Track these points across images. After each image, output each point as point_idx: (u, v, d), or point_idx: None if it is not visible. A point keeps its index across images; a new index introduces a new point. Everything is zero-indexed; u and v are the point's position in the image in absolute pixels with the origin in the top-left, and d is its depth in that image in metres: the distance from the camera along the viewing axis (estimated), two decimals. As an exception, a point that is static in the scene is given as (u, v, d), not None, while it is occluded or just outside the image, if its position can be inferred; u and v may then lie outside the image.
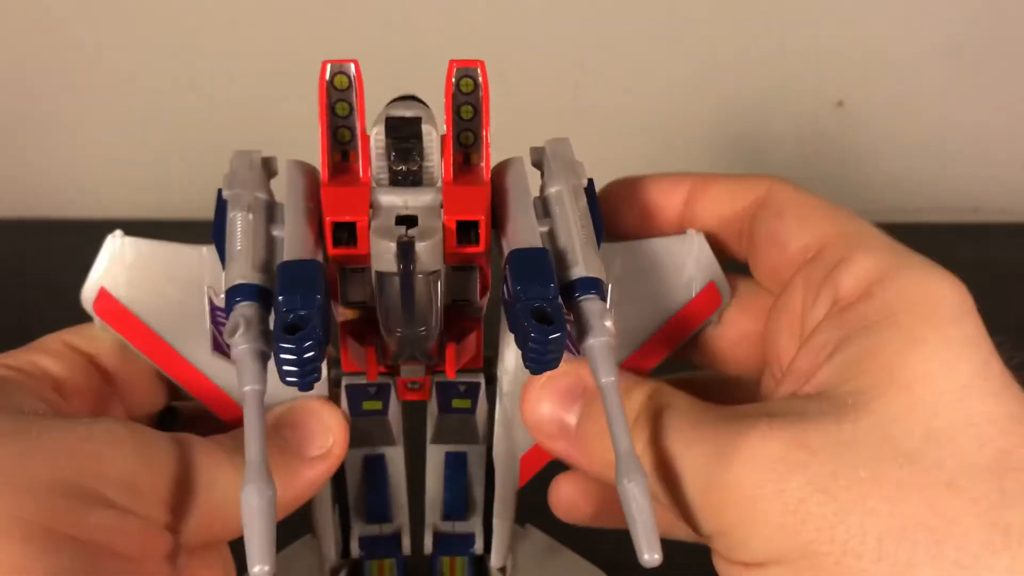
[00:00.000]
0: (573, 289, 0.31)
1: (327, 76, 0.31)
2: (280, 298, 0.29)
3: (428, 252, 0.29)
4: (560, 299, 0.30)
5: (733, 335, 0.37)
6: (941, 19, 0.76)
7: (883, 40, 0.77)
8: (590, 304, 0.30)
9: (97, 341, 0.35)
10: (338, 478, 0.38)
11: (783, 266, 0.34)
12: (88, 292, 0.35)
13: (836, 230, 0.33)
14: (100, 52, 0.75)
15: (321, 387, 0.36)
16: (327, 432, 0.34)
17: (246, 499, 0.26)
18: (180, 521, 0.30)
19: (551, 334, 0.28)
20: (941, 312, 0.30)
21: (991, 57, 0.77)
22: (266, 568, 0.25)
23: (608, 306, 0.34)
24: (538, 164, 0.36)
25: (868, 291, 0.31)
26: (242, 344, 0.29)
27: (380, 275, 0.30)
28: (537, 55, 0.74)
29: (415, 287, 0.30)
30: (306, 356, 0.28)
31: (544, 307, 0.29)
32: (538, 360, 0.29)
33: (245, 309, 0.30)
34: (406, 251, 0.29)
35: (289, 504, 0.33)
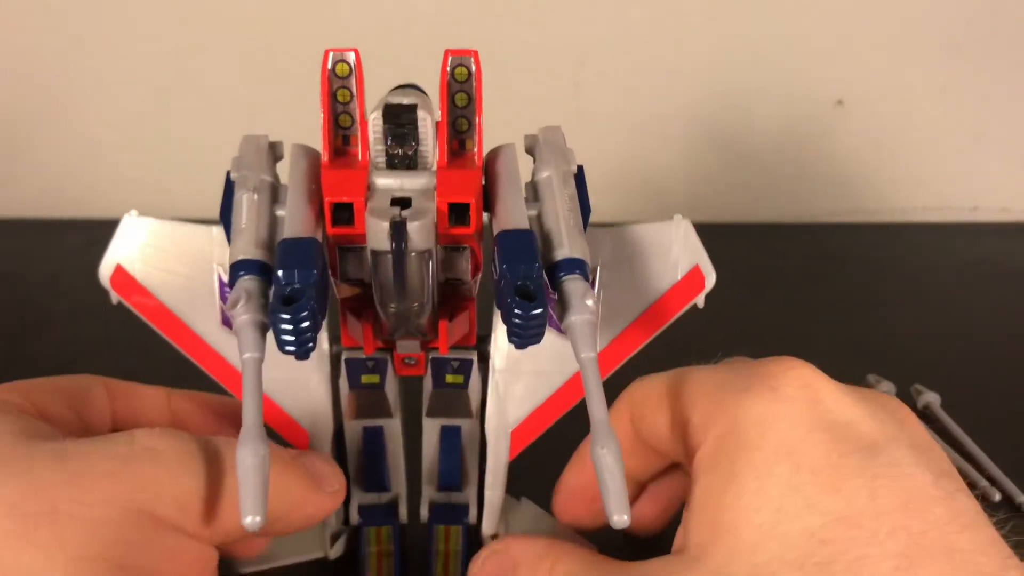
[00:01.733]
0: (557, 269, 0.33)
1: (329, 64, 0.34)
2: (279, 272, 0.31)
3: (419, 232, 0.32)
4: (544, 278, 0.32)
5: None
6: (941, 18, 0.77)
7: (883, 40, 0.78)
8: (573, 284, 0.33)
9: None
10: (339, 448, 0.40)
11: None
12: (105, 268, 0.38)
13: (677, 399, 0.36)
14: (101, 52, 0.76)
15: (322, 362, 0.38)
16: (337, 477, 0.37)
17: (242, 458, 0.29)
18: (222, 526, 0.32)
19: (533, 310, 0.31)
20: (746, 438, 0.32)
21: (991, 56, 0.79)
22: (258, 519, 0.28)
23: (597, 288, 0.36)
24: (531, 151, 0.38)
25: (701, 443, 0.33)
26: (243, 315, 0.31)
27: (374, 253, 0.33)
28: (537, 54, 0.76)
29: (407, 265, 0.32)
30: (302, 326, 0.30)
31: (527, 285, 0.31)
32: (521, 335, 0.31)
33: (247, 283, 0.32)
34: (398, 231, 0.32)
35: (304, 522, 0.36)
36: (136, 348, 0.56)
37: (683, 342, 0.61)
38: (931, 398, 0.58)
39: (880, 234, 0.82)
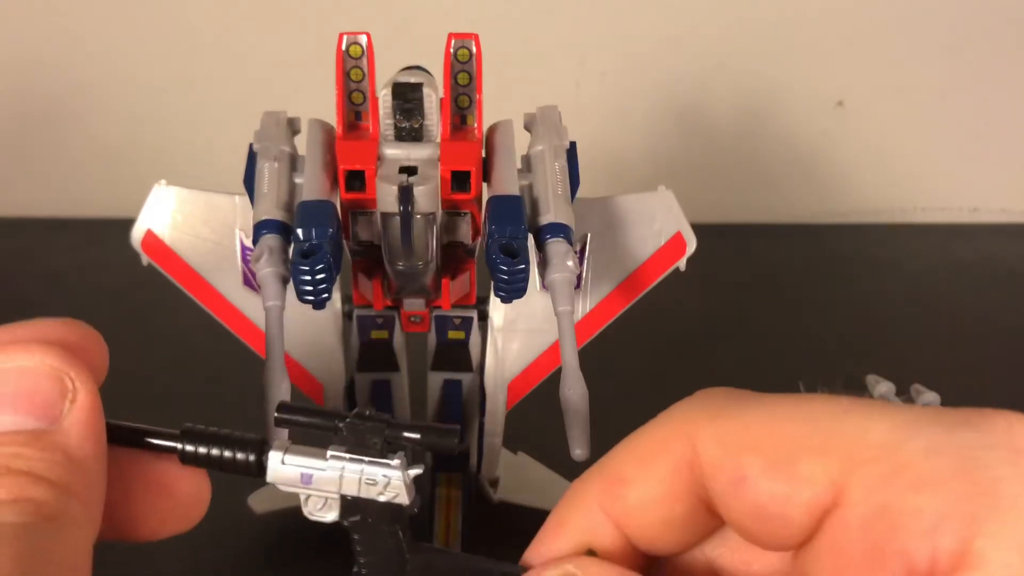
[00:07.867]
0: (543, 232, 0.40)
1: (343, 46, 0.40)
2: (298, 230, 0.38)
3: (425, 196, 0.38)
4: (529, 239, 0.39)
5: None
6: (941, 18, 0.81)
7: (883, 40, 0.81)
8: (555, 245, 0.39)
9: None
10: (349, 401, 0.47)
11: (784, 536, 0.26)
12: (137, 233, 0.44)
13: (849, 459, 0.25)
14: (103, 50, 0.80)
15: (335, 320, 0.45)
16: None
17: (267, 390, 0.35)
18: None
19: (516, 266, 0.37)
20: None
21: (991, 57, 0.82)
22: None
23: (587, 254, 0.43)
24: (528, 127, 0.44)
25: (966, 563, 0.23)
26: (266, 268, 0.38)
27: (384, 215, 0.39)
28: (538, 53, 0.80)
29: (413, 226, 0.39)
30: (318, 277, 0.37)
31: (512, 244, 0.38)
32: (506, 289, 0.38)
33: (269, 240, 0.39)
34: (406, 194, 0.38)
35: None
36: (135, 347, 0.62)
37: (684, 342, 0.67)
38: (931, 398, 0.59)
39: (880, 234, 0.85)
